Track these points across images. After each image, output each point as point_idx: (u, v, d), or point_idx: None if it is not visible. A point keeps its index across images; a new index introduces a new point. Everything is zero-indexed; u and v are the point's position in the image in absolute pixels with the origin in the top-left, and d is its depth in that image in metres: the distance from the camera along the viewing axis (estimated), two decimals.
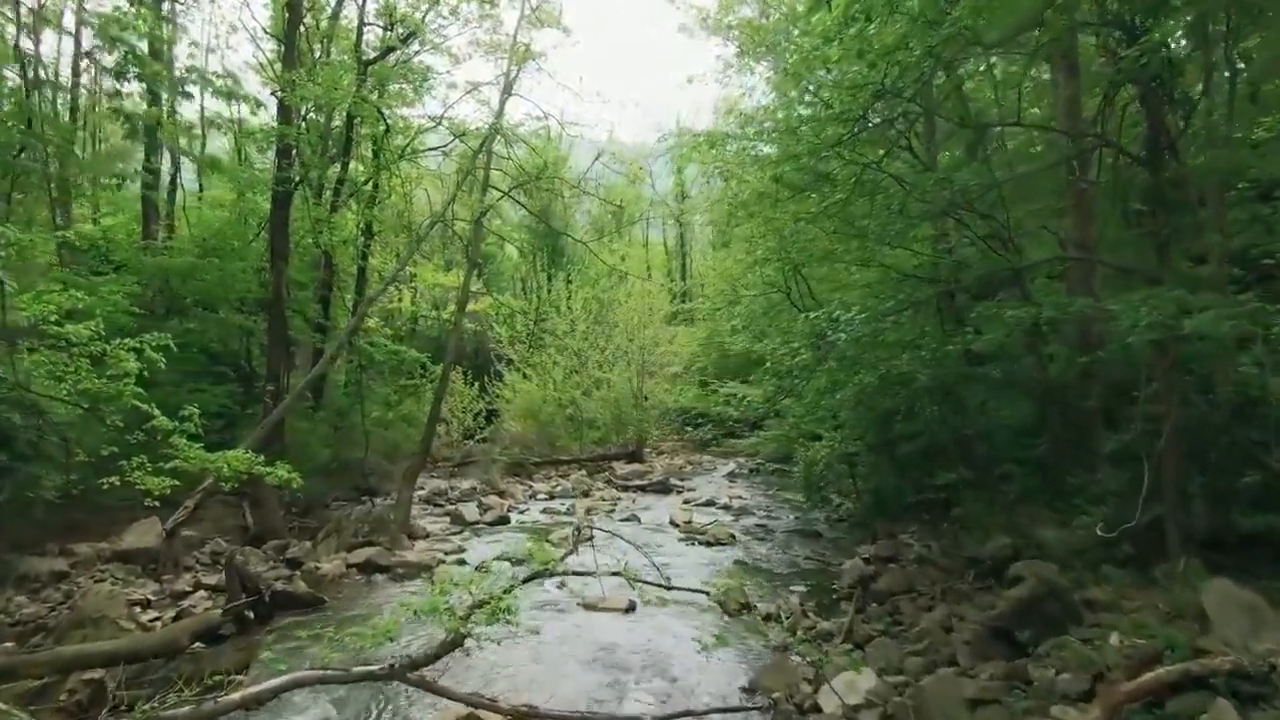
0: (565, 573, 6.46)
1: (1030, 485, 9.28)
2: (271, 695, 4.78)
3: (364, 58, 17.31)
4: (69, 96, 17.09)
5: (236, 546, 11.63)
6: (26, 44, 14.93)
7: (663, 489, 18.43)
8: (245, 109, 18.45)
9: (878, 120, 7.07)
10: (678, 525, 13.84)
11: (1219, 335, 5.00)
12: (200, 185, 20.46)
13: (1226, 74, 7.42)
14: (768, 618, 8.47)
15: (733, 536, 12.68)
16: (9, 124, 12.33)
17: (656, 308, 26.47)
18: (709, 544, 12.40)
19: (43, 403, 7.76)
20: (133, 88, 16.13)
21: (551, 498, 17.68)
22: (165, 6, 16.93)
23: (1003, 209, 8.41)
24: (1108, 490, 7.38)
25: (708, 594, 8.83)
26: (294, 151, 14.95)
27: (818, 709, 5.96)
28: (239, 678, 5.32)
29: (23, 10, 14.75)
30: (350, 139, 18.05)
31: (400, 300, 27.70)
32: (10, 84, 13.97)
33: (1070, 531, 7.54)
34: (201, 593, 9.54)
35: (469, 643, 5.59)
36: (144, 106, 16.13)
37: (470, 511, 15.12)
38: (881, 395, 9.45)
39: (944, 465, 10.36)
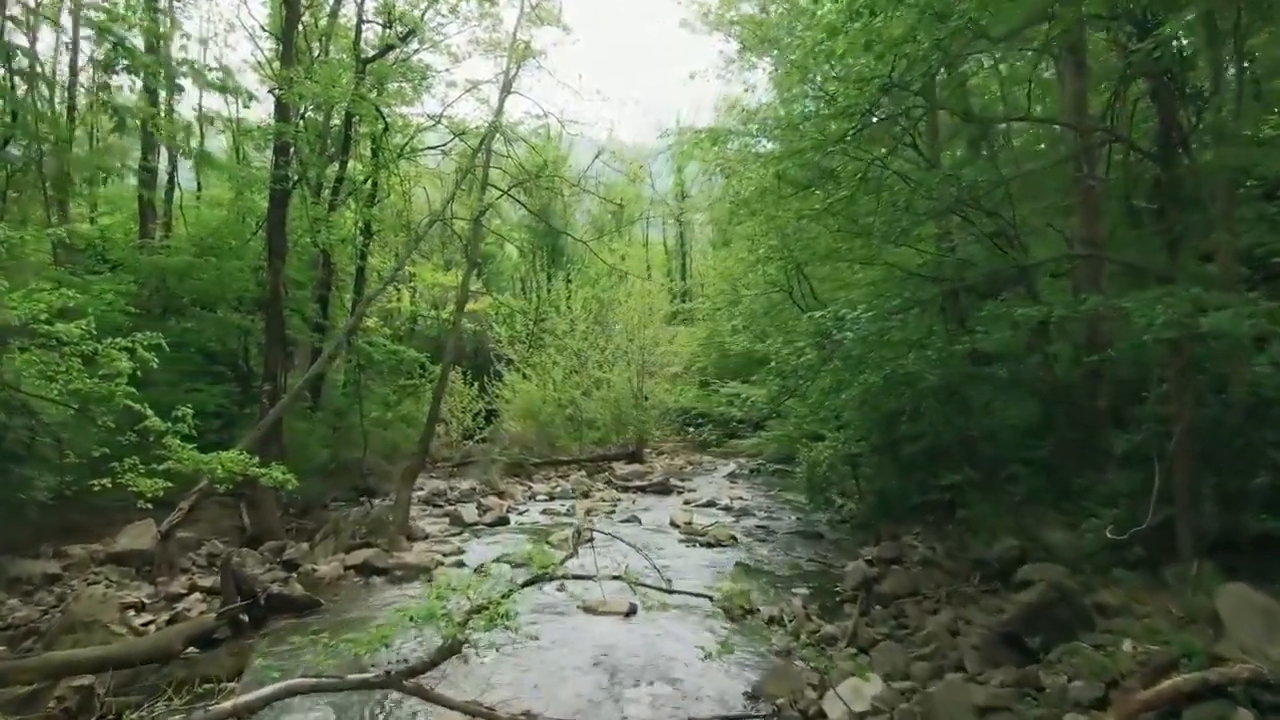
0: (565, 576, 6.36)
1: (1037, 486, 9.16)
2: (263, 704, 4.66)
3: (363, 56, 17.21)
4: (66, 95, 16.97)
5: (233, 548, 11.51)
6: (22, 41, 14.84)
7: (663, 490, 18.31)
8: (243, 107, 18.34)
9: (884, 115, 6.95)
10: (678, 526, 13.72)
11: (1238, 334, 4.88)
12: (198, 184, 20.34)
13: (1233, 70, 7.32)
14: (770, 621, 8.34)
15: (734, 538, 12.56)
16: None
17: (656, 307, 26.35)
18: (710, 545, 12.28)
19: (34, 403, 7.62)
20: (125, 83, 15.99)
21: (551, 498, 17.56)
22: (163, 2, 16.80)
23: (1009, 206, 8.29)
24: (1117, 492, 7.25)
25: (711, 599, 8.70)
26: (292, 150, 14.84)
27: (823, 716, 5.84)
28: (230, 685, 5.20)
29: (18, 8, 14.65)
30: (349, 137, 17.93)
31: (399, 300, 27.58)
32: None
33: (1078, 534, 7.41)
34: (197, 595, 9.41)
35: (467, 648, 5.48)
36: (141, 104, 15.98)
37: (469, 512, 15.00)
38: (886, 395, 9.32)
39: (948, 466, 10.23)
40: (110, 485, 7.30)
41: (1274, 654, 4.68)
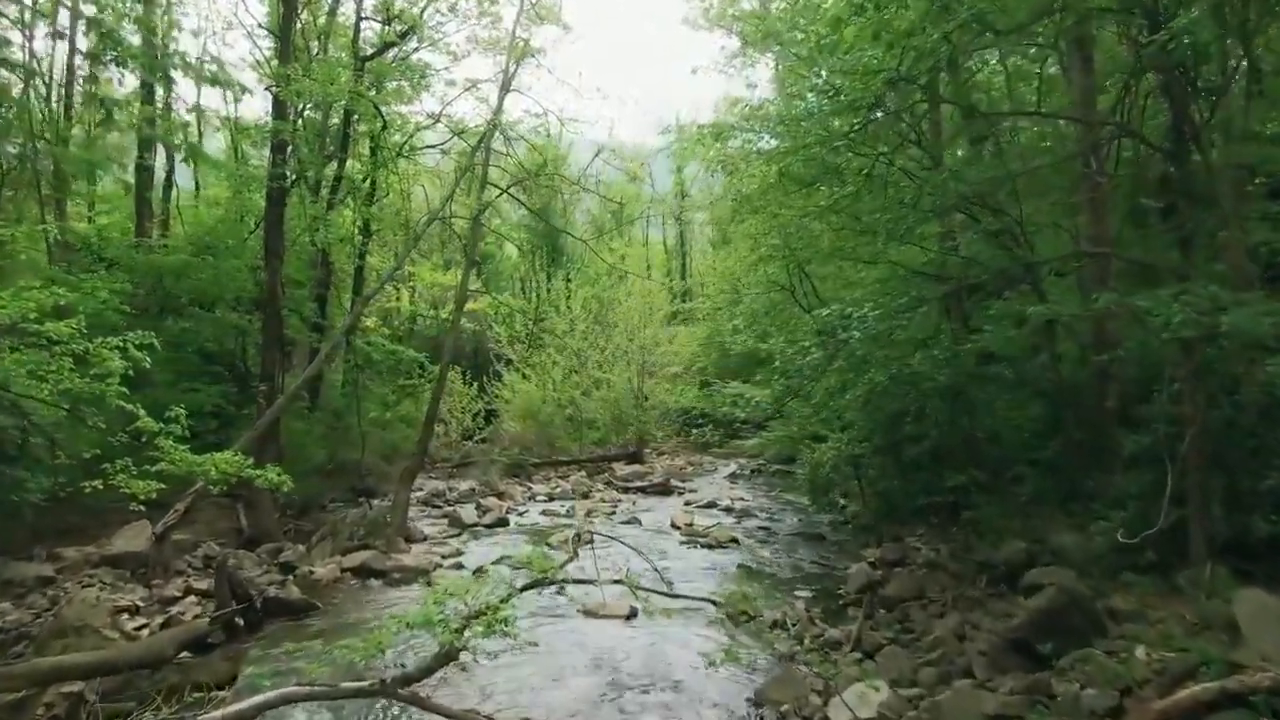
0: (565, 581, 6.22)
1: (1043, 488, 9.03)
2: (255, 713, 4.53)
3: (361, 54, 17.10)
4: (63, 93, 16.85)
5: (229, 550, 11.38)
6: (18, 38, 14.73)
7: (663, 490, 18.18)
8: (242, 106, 18.24)
9: (890, 110, 6.82)
10: (679, 528, 13.59)
11: (1258, 334, 4.75)
12: (196, 182, 20.23)
13: (1241, 65, 7.20)
14: (773, 625, 8.20)
15: (735, 540, 12.42)
16: None
17: (656, 307, 26.23)
18: (711, 547, 12.15)
19: (25, 404, 7.48)
20: (125, 81, 15.90)
21: (551, 499, 17.42)
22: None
23: (1015, 203, 8.16)
24: (1126, 494, 7.12)
25: (714, 603, 8.57)
26: (289, 148, 14.73)
27: None
28: (221, 694, 5.07)
29: (14, 7, 14.54)
30: (347, 135, 17.84)
31: (398, 299, 27.48)
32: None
33: (1087, 536, 7.27)
34: (192, 598, 9.29)
35: (465, 654, 5.35)
36: (132, 98, 15.89)
37: (468, 513, 14.87)
38: (891, 395, 9.19)
39: (953, 467, 10.11)
40: (102, 487, 7.15)
41: None
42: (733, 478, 20.78)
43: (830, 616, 8.53)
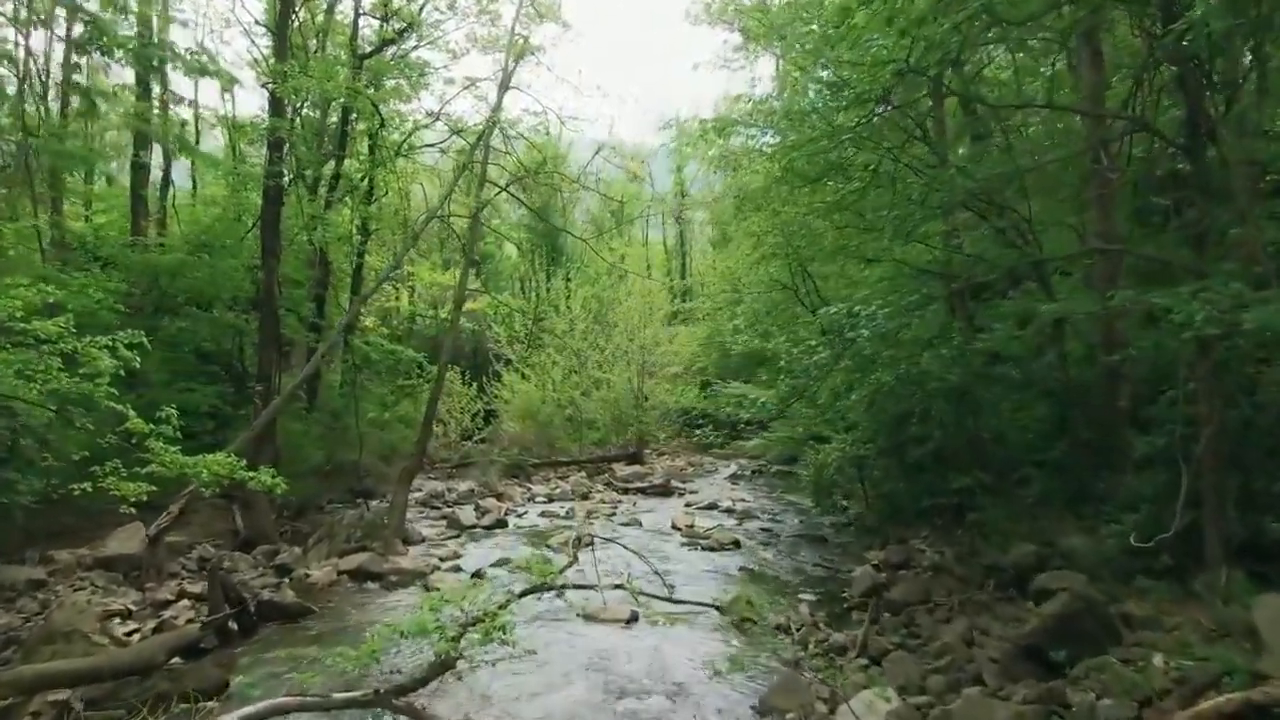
0: (565, 586, 6.05)
1: (1050, 489, 8.88)
2: None
3: (360, 51, 16.96)
4: (61, 91, 16.70)
5: (225, 552, 11.24)
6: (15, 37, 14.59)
7: (664, 491, 18.03)
8: (241, 105, 18.10)
9: (898, 103, 6.67)
10: (680, 530, 13.45)
11: None
12: (194, 181, 20.09)
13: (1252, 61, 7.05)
14: (777, 629, 8.07)
15: (737, 542, 12.27)
16: None
17: (656, 307, 26.08)
18: (712, 549, 11.99)
19: (14, 404, 7.32)
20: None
21: (550, 500, 17.27)
22: None
23: (1023, 200, 8.01)
24: (1138, 496, 6.96)
25: (717, 608, 8.42)
26: (286, 146, 14.59)
27: None
28: (211, 704, 4.92)
29: (9, 5, 14.39)
30: (345, 133, 17.70)
31: (397, 299, 27.34)
32: None
33: (1098, 539, 7.12)
34: (185, 602, 9.12)
35: (461, 663, 5.20)
36: (125, 94, 15.74)
37: (467, 515, 14.72)
38: (896, 396, 9.03)
39: (957, 468, 9.95)
40: (91, 489, 7.00)
41: None
42: (734, 478, 20.63)
43: (835, 620, 8.38)
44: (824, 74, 7.34)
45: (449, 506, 16.04)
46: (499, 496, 17.31)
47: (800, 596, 9.42)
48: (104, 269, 14.08)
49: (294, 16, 15.42)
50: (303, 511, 14.24)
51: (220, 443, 11.38)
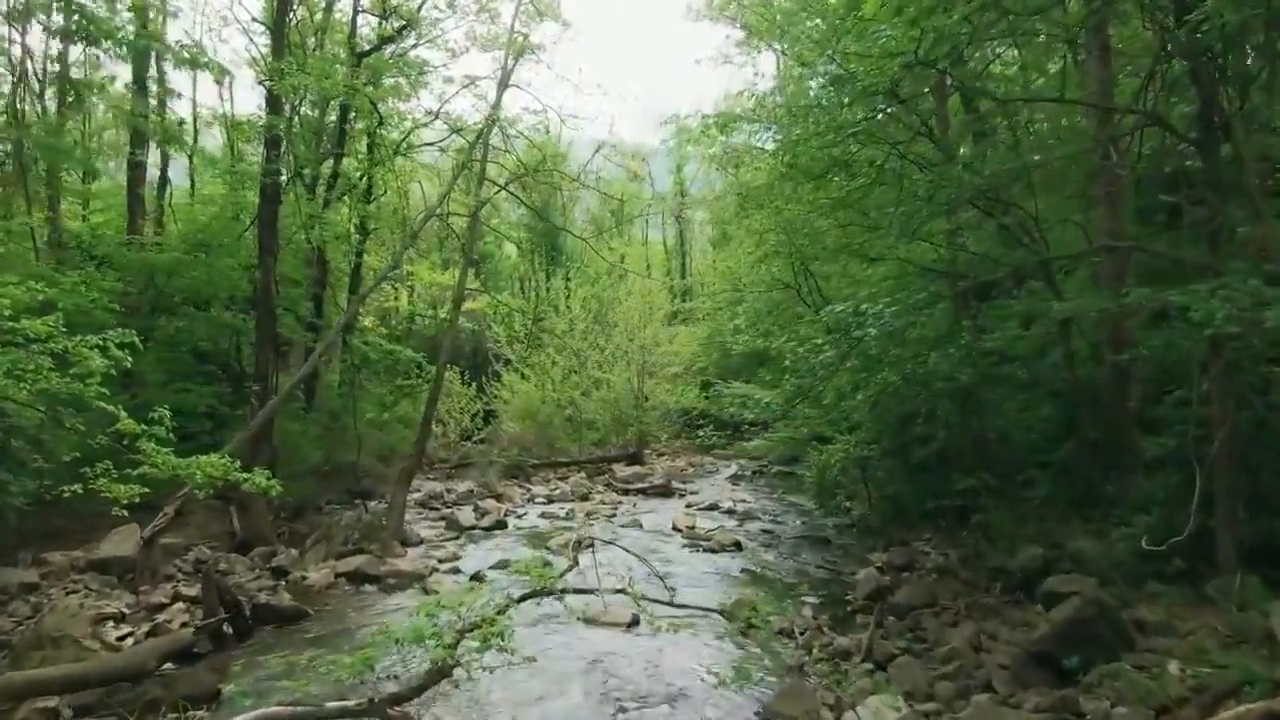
0: (565, 590, 5.92)
1: (1056, 491, 8.76)
2: None
3: (358, 49, 16.83)
4: (57, 90, 16.57)
5: (221, 554, 11.12)
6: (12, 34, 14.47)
7: (664, 492, 17.89)
8: (240, 104, 17.99)
9: (905, 97, 6.54)
10: (680, 531, 13.32)
11: None
12: (191, 179, 19.96)
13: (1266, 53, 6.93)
14: (780, 633, 7.94)
15: (738, 543, 12.13)
16: None
17: (656, 306, 25.95)
18: (714, 551, 11.86)
19: (4, 405, 7.19)
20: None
21: (550, 501, 17.13)
22: None
23: (1031, 197, 7.88)
24: (1151, 498, 6.84)
25: (720, 613, 8.29)
26: (284, 144, 14.46)
27: None
28: (200, 714, 4.79)
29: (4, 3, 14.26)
30: (344, 131, 17.57)
31: (396, 299, 27.22)
32: None
33: (1108, 543, 6.99)
34: (180, 605, 8.96)
35: (459, 670, 5.06)
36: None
37: (466, 516, 14.59)
38: (901, 396, 8.91)
39: (962, 469, 9.83)
40: (82, 491, 6.87)
41: None
42: (734, 479, 20.49)
43: (839, 624, 8.25)
44: (829, 67, 7.20)
45: (448, 507, 15.91)
46: (498, 497, 17.18)
47: (803, 599, 9.30)
48: (99, 268, 13.96)
49: (291, 13, 15.31)
50: (300, 512, 14.12)
51: (217, 443, 11.27)
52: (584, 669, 6.90)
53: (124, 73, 16.70)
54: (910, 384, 8.41)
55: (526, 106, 27.20)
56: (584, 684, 6.56)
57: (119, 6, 14.79)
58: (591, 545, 9.96)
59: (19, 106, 14.29)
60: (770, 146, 9.57)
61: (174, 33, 17.05)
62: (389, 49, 17.56)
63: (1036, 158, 8.24)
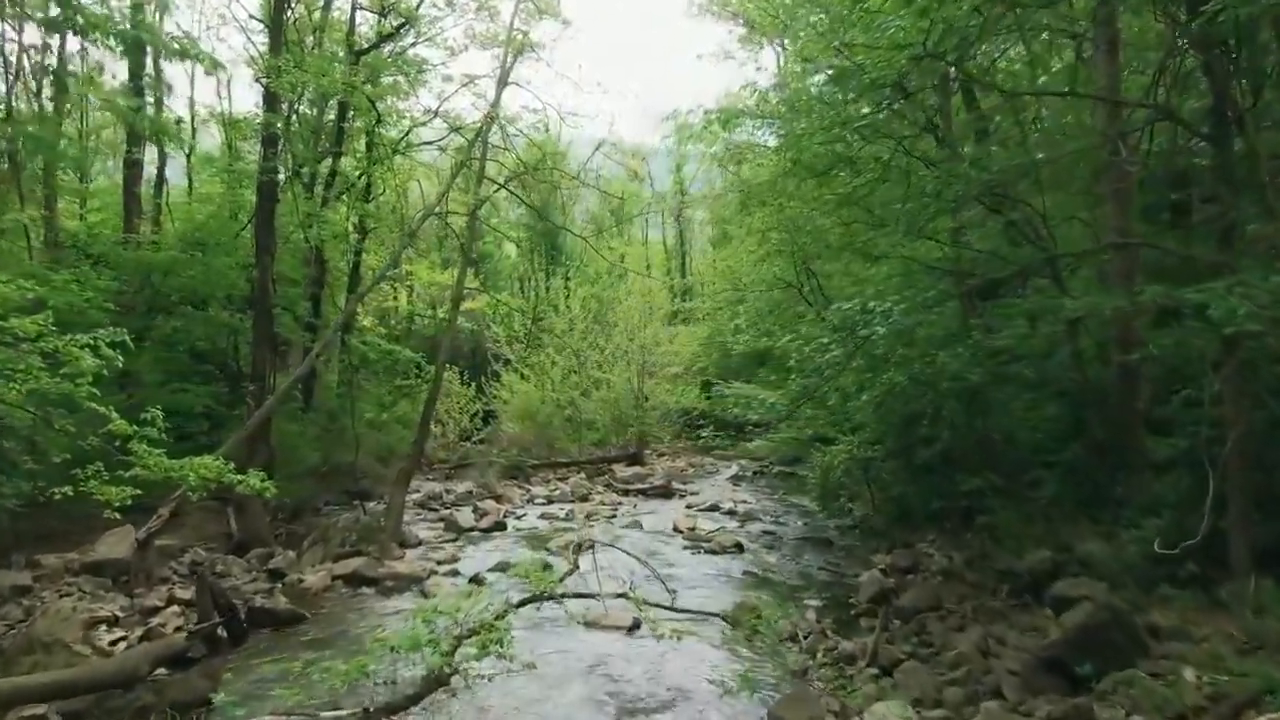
0: (565, 595, 5.78)
1: (1062, 492, 8.63)
2: None
3: (356, 47, 16.72)
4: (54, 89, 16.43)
5: (218, 556, 11.00)
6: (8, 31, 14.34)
7: (665, 493, 17.77)
8: (240, 103, 17.87)
9: (912, 89, 6.41)
10: (681, 532, 13.19)
11: None
12: (189, 178, 19.84)
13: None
14: (783, 638, 7.81)
15: (739, 545, 12.01)
16: None
17: (657, 306, 25.82)
18: (715, 552, 11.74)
19: None
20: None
21: (550, 502, 17.00)
22: None
23: (1038, 194, 7.76)
24: (1162, 500, 6.71)
25: (723, 618, 8.16)
26: (281, 142, 14.35)
27: None
28: None
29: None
30: (342, 130, 17.45)
31: (396, 299, 27.10)
32: None
33: (1119, 545, 6.86)
34: (174, 608, 8.81)
35: (458, 674, 4.94)
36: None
37: (465, 517, 14.45)
38: (907, 396, 8.77)
39: (967, 470, 9.70)
40: (73, 493, 6.74)
41: None
42: (735, 479, 20.36)
43: (843, 628, 8.13)
44: (835, 60, 7.06)
45: (447, 508, 15.78)
46: (498, 498, 17.04)
47: (806, 602, 9.18)
48: (95, 267, 13.83)
49: (289, 10, 15.19)
50: (298, 513, 14.01)
51: (214, 444, 11.14)
52: (584, 673, 6.78)
53: (122, 72, 16.60)
54: (917, 384, 8.27)
55: (526, 105, 27.12)
56: (584, 689, 6.44)
57: (115, 4, 14.72)
58: (592, 547, 9.83)
59: (14, 104, 14.16)
60: (772, 143, 9.43)
61: (172, 30, 16.74)
62: (387, 47, 17.45)
63: (1045, 154, 8.09)
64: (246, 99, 28.58)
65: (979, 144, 10.17)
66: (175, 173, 19.34)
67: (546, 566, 8.44)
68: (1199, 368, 6.68)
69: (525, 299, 29.05)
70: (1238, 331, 4.57)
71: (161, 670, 6.57)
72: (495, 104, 16.49)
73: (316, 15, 17.63)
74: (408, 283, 27.02)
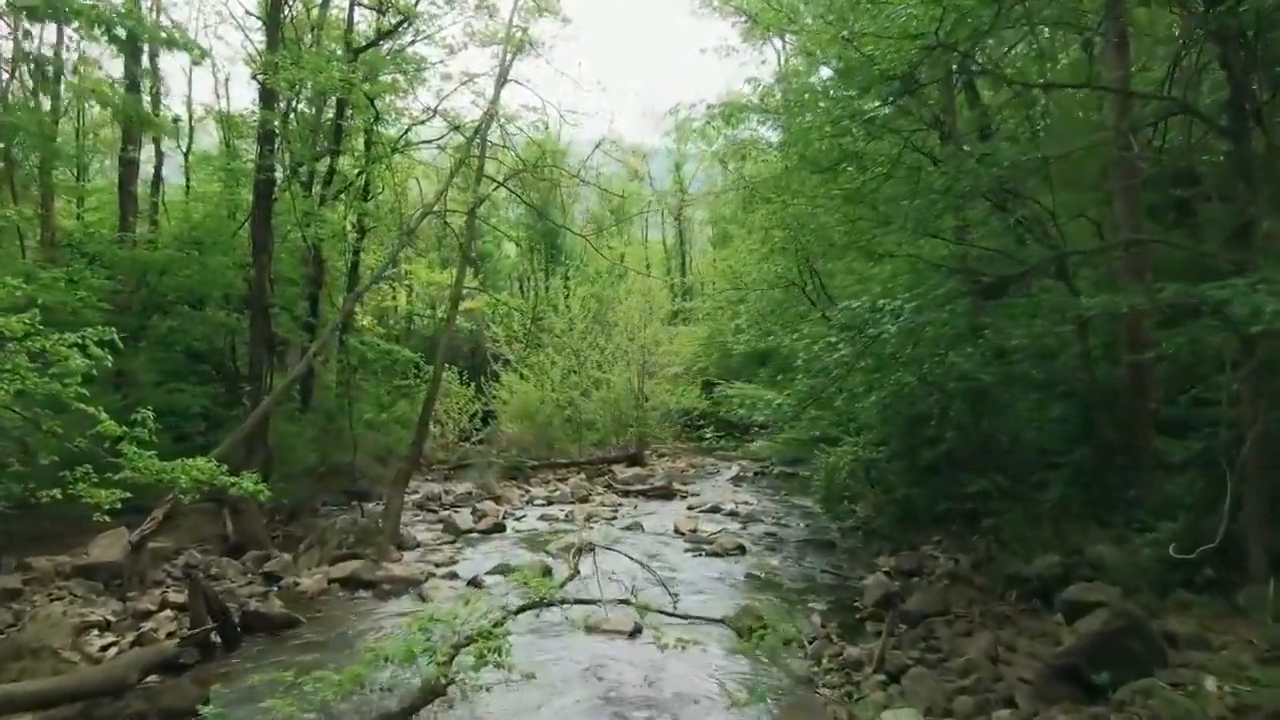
0: (565, 601, 5.62)
1: (1070, 494, 8.48)
2: None
3: (354, 45, 16.56)
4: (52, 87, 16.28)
5: (213, 558, 10.86)
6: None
7: (665, 494, 17.62)
8: (238, 101, 17.73)
9: (924, 81, 6.26)
10: (682, 534, 13.05)
11: None
12: (187, 177, 19.69)
13: None
14: (788, 642, 7.65)
15: (741, 547, 11.87)
16: None
17: (657, 306, 25.66)
18: (717, 555, 11.59)
19: None
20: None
21: (549, 503, 16.85)
22: None
23: (1047, 190, 7.61)
24: (1177, 502, 6.55)
25: (726, 623, 8.01)
26: (278, 140, 14.20)
27: None
28: None
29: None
30: (340, 129, 17.30)
31: (395, 299, 26.94)
32: None
33: (1131, 549, 6.71)
34: (167, 612, 8.67)
35: (454, 684, 4.79)
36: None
37: (464, 519, 14.31)
38: (914, 396, 8.62)
39: (973, 471, 9.54)
40: (61, 496, 6.59)
41: None
42: (736, 480, 20.23)
43: (848, 632, 7.98)
44: (842, 52, 6.91)
45: (446, 509, 15.64)
46: (497, 499, 16.90)
47: (810, 606, 9.04)
48: (91, 265, 13.68)
49: (287, 7, 15.04)
50: (296, 515, 13.85)
51: (211, 444, 10.98)
52: (584, 679, 6.62)
53: (119, 70, 16.43)
54: (925, 384, 8.11)
55: (525, 103, 26.98)
56: (584, 695, 6.28)
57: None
58: (592, 550, 9.68)
59: (9, 99, 14.02)
60: (775, 139, 9.29)
61: (169, 26, 16.56)
62: (386, 44, 17.28)
63: (1054, 150, 7.93)
64: (245, 97, 28.35)
65: (984, 141, 10.05)
66: (173, 171, 19.20)
67: (546, 571, 8.28)
68: (1211, 367, 6.54)
69: (525, 298, 28.91)
70: (1265, 330, 4.42)
71: (152, 677, 6.41)
72: (494, 102, 16.34)
73: (314, 12, 17.46)
74: (406, 282, 26.86)
